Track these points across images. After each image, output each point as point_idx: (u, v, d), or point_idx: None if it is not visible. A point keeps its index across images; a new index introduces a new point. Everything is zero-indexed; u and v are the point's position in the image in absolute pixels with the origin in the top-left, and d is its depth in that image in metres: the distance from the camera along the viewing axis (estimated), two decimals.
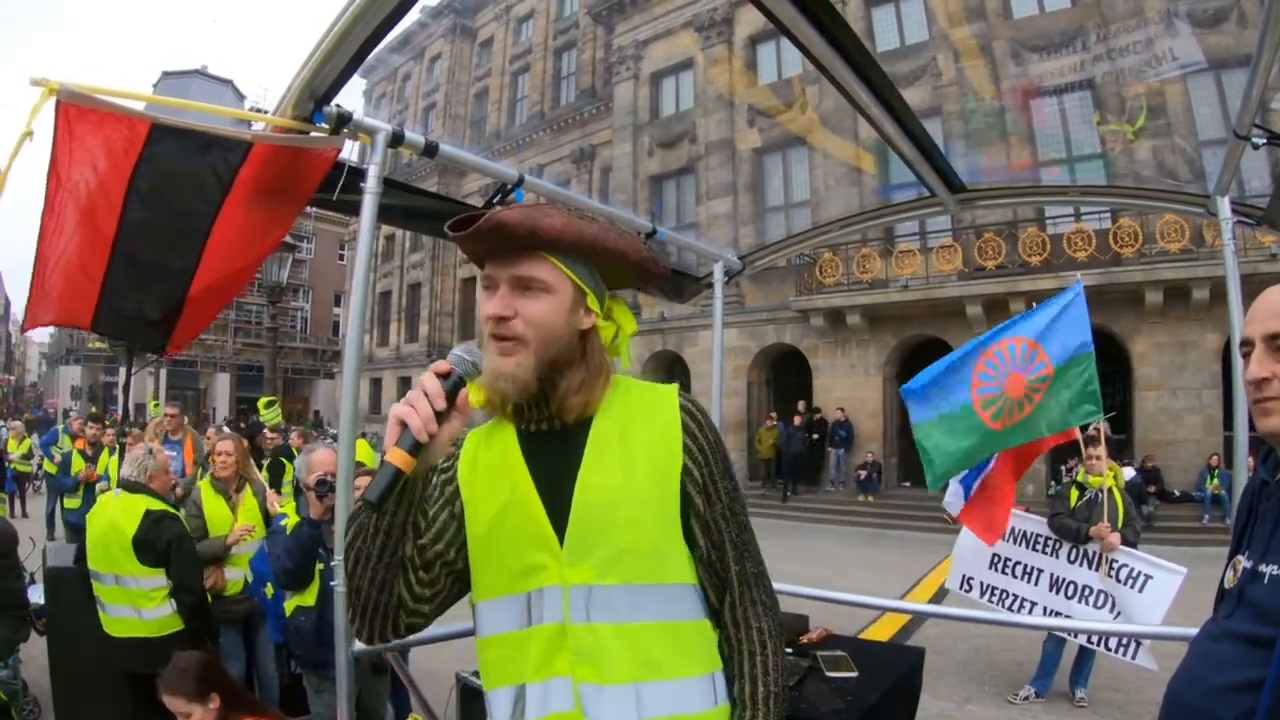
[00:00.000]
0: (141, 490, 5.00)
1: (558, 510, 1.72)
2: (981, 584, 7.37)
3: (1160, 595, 6.42)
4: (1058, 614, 6.94)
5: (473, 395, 1.76)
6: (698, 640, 1.76)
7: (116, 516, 4.88)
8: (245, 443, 6.58)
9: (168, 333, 3.16)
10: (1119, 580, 6.66)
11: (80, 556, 5.12)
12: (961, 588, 7.55)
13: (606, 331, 1.86)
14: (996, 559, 7.33)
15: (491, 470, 1.80)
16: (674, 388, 1.89)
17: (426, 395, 1.63)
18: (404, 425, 1.62)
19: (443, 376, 1.67)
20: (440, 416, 1.64)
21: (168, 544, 4.85)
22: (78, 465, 10.35)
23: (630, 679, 1.66)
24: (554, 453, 1.78)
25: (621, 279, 1.89)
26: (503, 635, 1.76)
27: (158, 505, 4.97)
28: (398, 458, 1.61)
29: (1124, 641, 6.46)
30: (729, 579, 1.79)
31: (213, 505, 5.69)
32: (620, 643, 1.67)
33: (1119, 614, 6.61)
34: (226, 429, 7.39)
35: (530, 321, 1.71)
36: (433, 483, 1.86)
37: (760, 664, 1.77)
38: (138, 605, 4.83)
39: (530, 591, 1.72)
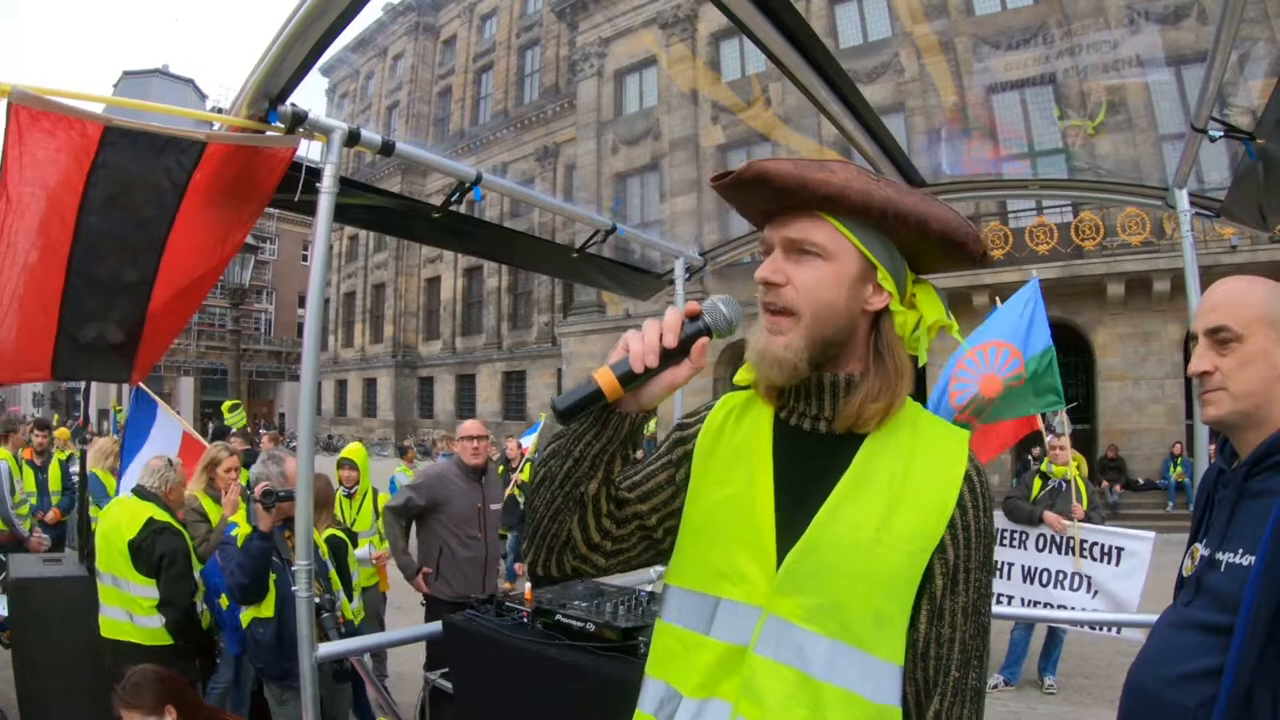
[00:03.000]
0: (152, 499, 4.96)
1: (788, 525, 1.47)
2: None
3: (1137, 563, 6.63)
4: (1036, 603, 7.01)
5: (741, 374, 1.58)
6: None
7: (121, 519, 4.86)
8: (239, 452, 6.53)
9: (131, 357, 3.10)
10: (1093, 559, 6.80)
11: (90, 553, 5.09)
12: None
13: (905, 320, 1.55)
14: None
15: (733, 451, 1.57)
16: (966, 436, 1.57)
17: (662, 327, 1.44)
18: (628, 351, 1.44)
19: (690, 318, 1.48)
20: (667, 357, 1.44)
21: (160, 556, 4.80)
22: (27, 478, 10.04)
23: None
24: (810, 458, 1.53)
25: (930, 257, 1.56)
26: (679, 628, 1.55)
27: (163, 516, 4.93)
28: (604, 378, 1.42)
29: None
30: (943, 685, 1.46)
31: (214, 511, 5.65)
32: (802, 697, 1.41)
33: (1096, 592, 6.75)
34: (221, 442, 7.29)
35: (802, 290, 1.46)
36: (670, 436, 1.68)
37: None
38: (131, 611, 4.80)
39: (722, 599, 1.50)
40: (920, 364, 1.60)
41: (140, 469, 5.45)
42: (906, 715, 1.47)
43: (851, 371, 1.52)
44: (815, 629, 1.43)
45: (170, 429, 7.16)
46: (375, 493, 7.59)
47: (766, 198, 1.50)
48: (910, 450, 1.50)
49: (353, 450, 7.84)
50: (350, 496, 7.37)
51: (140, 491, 4.99)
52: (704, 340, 1.47)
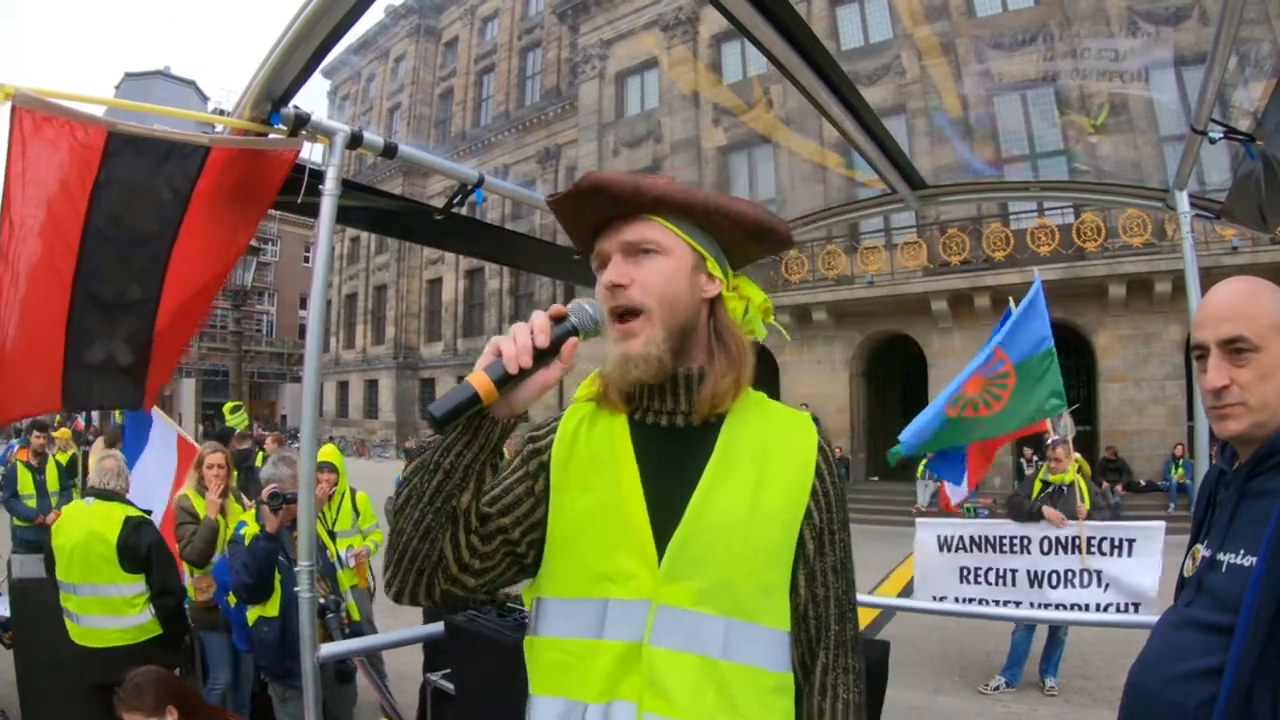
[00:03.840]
0: (115, 498, 4.98)
1: (662, 518, 1.54)
2: (956, 598, 7.35)
3: (1150, 550, 6.68)
4: (1047, 605, 6.99)
5: (583, 389, 1.68)
6: (780, 695, 1.55)
7: (96, 525, 4.85)
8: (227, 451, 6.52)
9: (141, 379, 3.07)
10: (1103, 553, 6.81)
11: (49, 568, 5.06)
12: (936, 599, 7.59)
13: (735, 305, 1.72)
14: (966, 571, 7.36)
15: (592, 458, 1.62)
16: (810, 416, 1.71)
17: (532, 330, 1.47)
18: (499, 355, 1.45)
19: (556, 319, 1.50)
20: (539, 358, 1.47)
21: (148, 548, 4.85)
22: (24, 479, 10.01)
23: None
24: (671, 453, 1.60)
25: (744, 248, 1.73)
26: (565, 640, 1.56)
27: (135, 512, 4.99)
28: (480, 382, 1.42)
29: (1122, 608, 6.65)
30: (826, 639, 1.61)
31: (205, 511, 5.65)
32: (705, 679, 1.48)
33: (1108, 586, 6.79)
34: (211, 441, 7.37)
35: (649, 287, 1.56)
36: (522, 449, 1.70)
37: None
38: (120, 613, 4.80)
39: (609, 600, 1.53)
40: (760, 337, 1.81)
41: (136, 473, 5.46)
42: (795, 676, 1.60)
43: (701, 364, 1.63)
44: (708, 610, 1.50)
45: (166, 435, 7.18)
46: (354, 492, 7.59)
47: (601, 207, 1.60)
48: (764, 431, 1.63)
49: (328, 453, 7.81)
50: (329, 498, 7.37)
51: (103, 493, 5.00)
52: (573, 340, 1.51)
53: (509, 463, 1.70)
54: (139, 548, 4.83)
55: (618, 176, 1.56)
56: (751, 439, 1.61)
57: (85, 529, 4.86)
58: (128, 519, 4.89)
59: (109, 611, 4.80)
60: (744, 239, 1.69)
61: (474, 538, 1.58)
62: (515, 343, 1.45)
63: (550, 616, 1.60)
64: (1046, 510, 7.10)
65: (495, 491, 1.64)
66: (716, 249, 1.67)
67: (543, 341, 1.46)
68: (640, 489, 1.56)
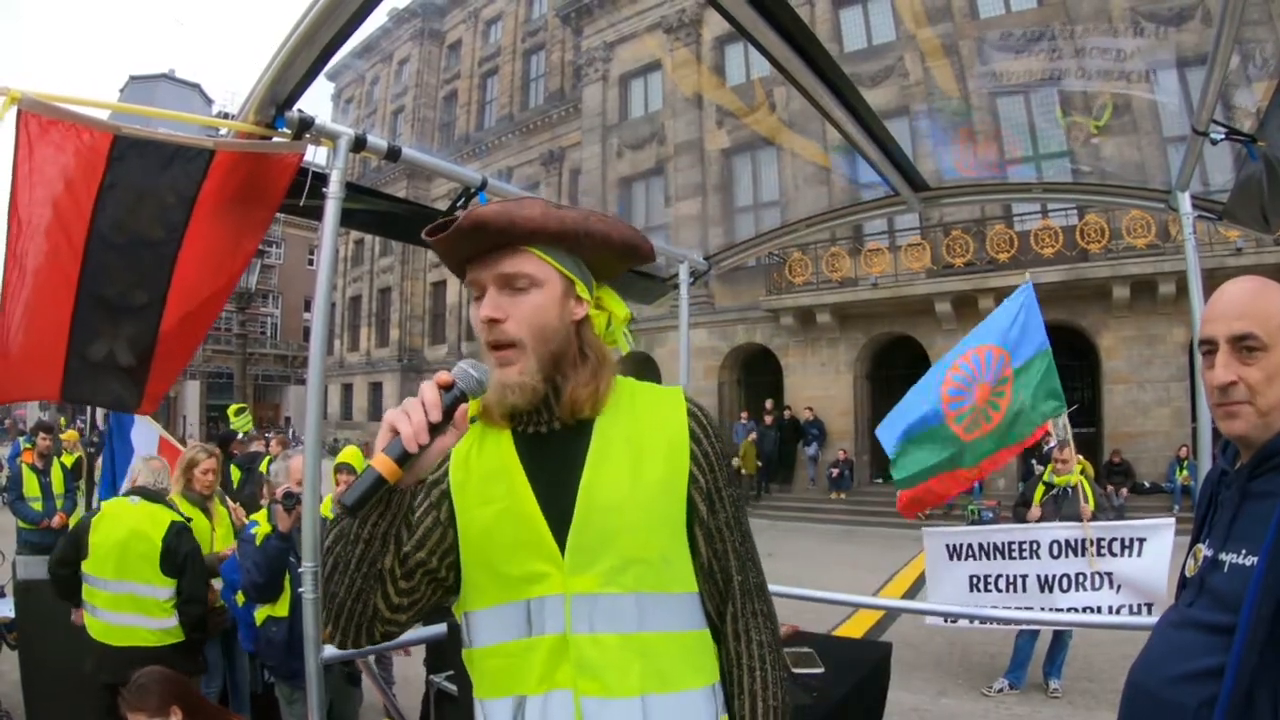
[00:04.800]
0: (161, 500, 5.00)
1: (558, 516, 1.64)
2: (970, 617, 7.25)
3: (1159, 549, 6.64)
4: (1058, 609, 6.90)
5: (472, 408, 1.71)
6: (701, 651, 1.71)
7: (142, 525, 4.86)
8: (219, 453, 6.50)
9: (141, 383, 3.07)
10: (1114, 554, 6.78)
11: (65, 559, 5.05)
12: (947, 621, 7.56)
13: (599, 320, 1.81)
14: (975, 580, 7.31)
15: (486, 474, 1.72)
16: (679, 390, 1.84)
17: (424, 405, 1.54)
18: (395, 432, 1.53)
19: (444, 388, 1.58)
20: (435, 429, 1.55)
21: (185, 556, 4.87)
22: (29, 481, 9.97)
23: (638, 691, 1.59)
24: (554, 455, 1.71)
25: (610, 264, 1.83)
26: (501, 645, 1.66)
27: (178, 517, 5.01)
28: (383, 464, 1.51)
29: (1135, 609, 6.60)
30: (731, 590, 1.74)
31: (189, 513, 5.65)
32: (628, 654, 1.61)
33: (1120, 586, 6.74)
34: (202, 443, 7.34)
35: (522, 321, 1.66)
36: (422, 486, 1.77)
37: (761, 679, 1.71)
38: (150, 614, 4.81)
39: (530, 600, 1.64)
40: (623, 351, 1.90)
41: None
42: (714, 629, 1.76)
43: (565, 375, 1.73)
44: (616, 590, 1.62)
45: (147, 435, 7.18)
46: None
47: (479, 242, 1.69)
48: (634, 414, 1.76)
49: (350, 454, 7.88)
50: None
51: (149, 494, 5.01)
52: (464, 406, 1.60)
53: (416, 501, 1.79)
54: (178, 552, 4.85)
55: (495, 212, 1.65)
56: (624, 423, 1.74)
57: (128, 527, 4.86)
58: (173, 523, 4.91)
59: (140, 610, 4.81)
60: (611, 257, 1.81)
61: (401, 583, 1.69)
62: (411, 421, 1.53)
63: (482, 627, 1.71)
64: (1030, 514, 7.38)
65: (405, 535, 1.74)
66: (583, 269, 1.78)
67: (436, 416, 1.55)
68: (531, 494, 1.67)
